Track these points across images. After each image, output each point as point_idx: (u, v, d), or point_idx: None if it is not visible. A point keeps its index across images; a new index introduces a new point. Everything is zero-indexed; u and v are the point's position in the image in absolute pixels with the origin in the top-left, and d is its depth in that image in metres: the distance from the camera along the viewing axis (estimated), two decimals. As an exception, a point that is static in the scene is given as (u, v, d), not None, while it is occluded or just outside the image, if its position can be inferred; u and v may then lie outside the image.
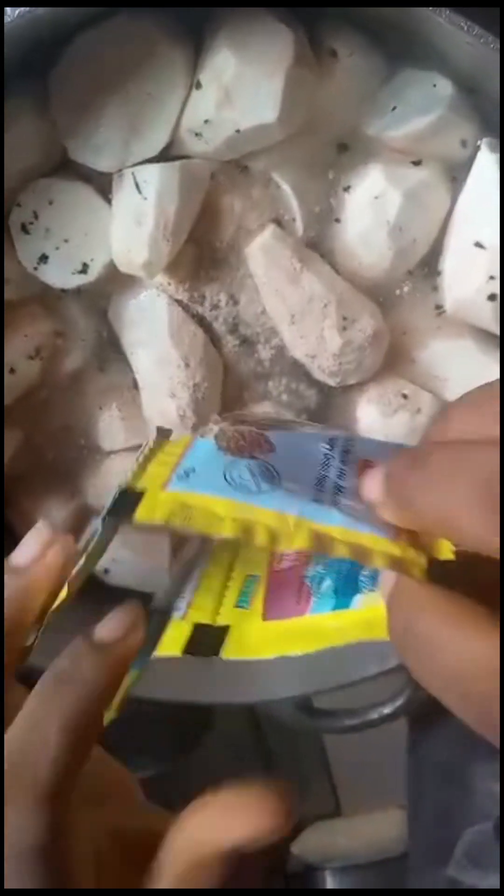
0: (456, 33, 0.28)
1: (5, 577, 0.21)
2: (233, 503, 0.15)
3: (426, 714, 0.45)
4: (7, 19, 0.28)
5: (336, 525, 0.14)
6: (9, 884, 0.18)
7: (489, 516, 0.14)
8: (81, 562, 0.18)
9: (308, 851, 0.71)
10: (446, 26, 0.27)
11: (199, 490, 0.16)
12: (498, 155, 0.32)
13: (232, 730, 0.62)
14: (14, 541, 0.42)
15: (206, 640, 0.18)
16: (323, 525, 0.14)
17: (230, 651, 0.18)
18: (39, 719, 0.19)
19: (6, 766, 0.19)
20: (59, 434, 0.41)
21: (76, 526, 0.42)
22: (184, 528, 0.15)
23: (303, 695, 0.41)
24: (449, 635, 0.14)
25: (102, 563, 0.42)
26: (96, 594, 0.43)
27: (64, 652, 0.21)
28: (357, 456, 0.17)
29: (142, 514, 0.16)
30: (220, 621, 0.18)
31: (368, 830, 0.71)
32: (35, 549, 0.22)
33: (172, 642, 0.19)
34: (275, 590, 0.18)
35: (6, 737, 0.19)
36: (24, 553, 0.22)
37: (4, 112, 0.33)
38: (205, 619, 0.19)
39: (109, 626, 0.21)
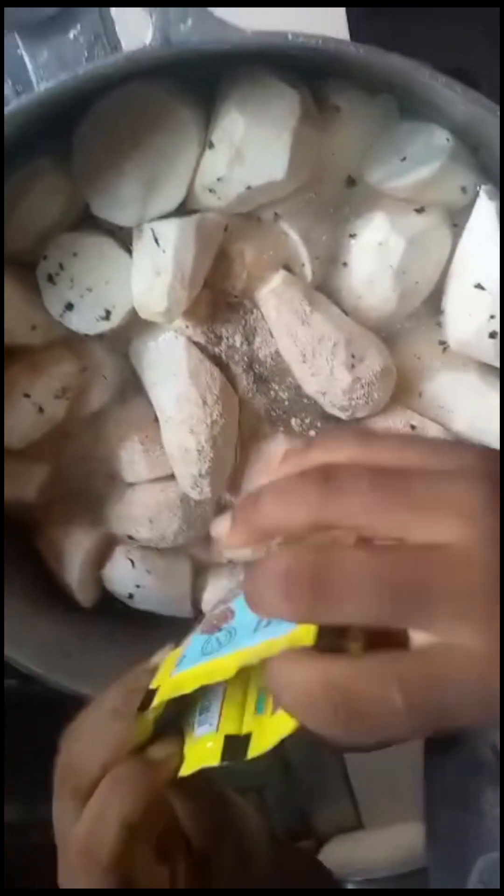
0: (452, 95, 0.29)
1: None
2: (198, 667, 0.23)
3: (439, 737, 0.47)
4: (36, 91, 0.30)
5: (261, 642, 0.21)
6: None
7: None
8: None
9: (330, 864, 0.72)
10: (442, 90, 0.29)
11: (184, 668, 0.23)
12: (496, 202, 0.34)
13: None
14: (43, 567, 0.44)
15: (237, 747, 0.23)
16: (254, 646, 0.21)
17: (253, 751, 0.22)
18: (102, 813, 0.25)
19: (79, 848, 0.25)
20: (83, 466, 0.43)
21: (101, 552, 0.44)
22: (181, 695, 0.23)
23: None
24: (290, 668, 0.20)
25: (127, 589, 0.44)
26: (122, 615, 0.45)
27: (119, 762, 0.26)
28: None
29: (159, 698, 0.24)
30: (245, 730, 0.23)
31: (390, 843, 0.72)
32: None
33: (212, 754, 0.23)
34: None
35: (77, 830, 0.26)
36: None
37: (29, 169, 0.35)
38: (233, 731, 0.23)
39: (158, 750, 0.26)
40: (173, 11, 0.27)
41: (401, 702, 0.18)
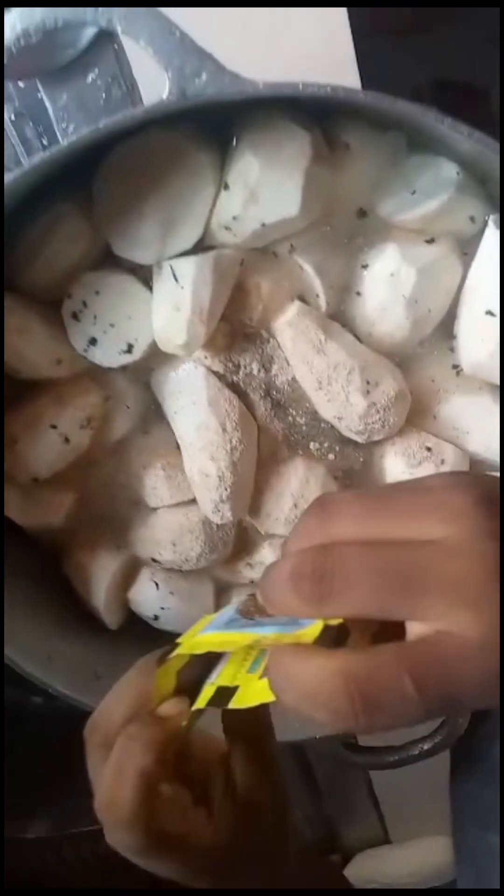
0: (457, 133, 0.30)
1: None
2: (216, 634, 0.25)
3: (465, 750, 0.47)
4: (70, 140, 0.32)
5: (272, 633, 0.23)
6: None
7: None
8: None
9: (357, 878, 0.73)
10: (448, 131, 0.30)
11: (206, 632, 0.26)
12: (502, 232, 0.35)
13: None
14: (72, 591, 0.46)
15: (223, 696, 0.25)
16: (265, 634, 0.23)
17: (235, 703, 0.25)
18: (121, 767, 0.27)
19: (102, 802, 0.27)
20: (108, 492, 0.44)
21: (126, 575, 0.45)
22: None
23: (347, 733, 0.43)
24: (298, 665, 0.21)
25: (152, 611, 0.45)
26: (148, 637, 0.46)
27: (134, 720, 0.28)
28: None
29: (175, 652, 0.27)
30: (235, 683, 0.25)
31: (417, 858, 0.73)
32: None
33: (202, 699, 0.26)
34: None
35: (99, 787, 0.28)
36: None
37: (52, 214, 0.37)
38: (225, 683, 0.26)
39: (168, 707, 0.29)
40: (189, 67, 0.29)
41: (411, 687, 0.20)
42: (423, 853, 0.69)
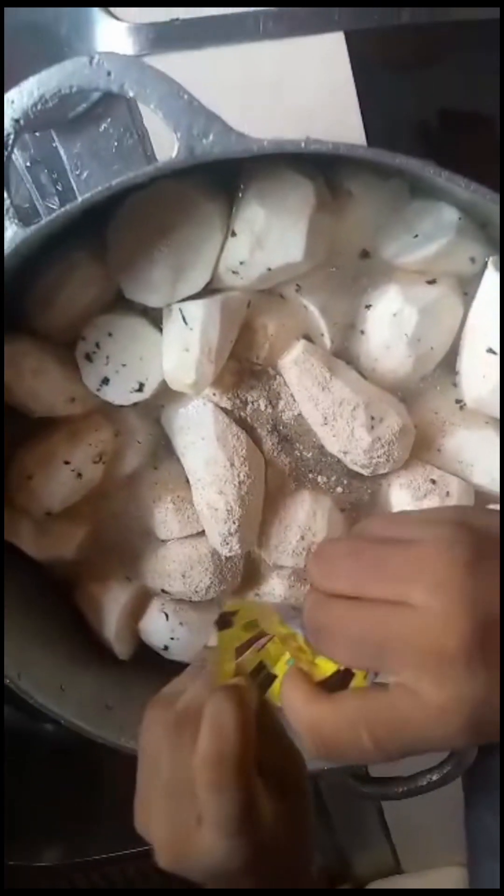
0: (455, 185, 0.32)
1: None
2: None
3: (478, 781, 0.47)
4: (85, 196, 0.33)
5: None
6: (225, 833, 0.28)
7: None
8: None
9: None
10: (445, 183, 0.31)
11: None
12: (501, 273, 0.36)
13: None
14: (83, 622, 0.46)
15: (266, 678, 0.29)
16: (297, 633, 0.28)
17: (270, 693, 0.28)
18: (221, 724, 0.28)
19: (206, 760, 0.28)
20: (119, 524, 0.45)
21: (137, 606, 0.46)
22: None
23: (355, 765, 0.43)
24: (289, 700, 0.26)
25: (162, 641, 0.46)
26: (159, 667, 0.47)
27: (216, 694, 0.30)
28: None
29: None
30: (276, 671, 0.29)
31: (428, 887, 0.72)
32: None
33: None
34: None
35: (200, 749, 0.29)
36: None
37: (67, 261, 0.38)
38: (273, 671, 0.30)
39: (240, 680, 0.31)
40: (196, 128, 0.30)
41: (369, 742, 0.23)
42: (435, 884, 0.69)
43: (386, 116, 0.46)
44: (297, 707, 0.25)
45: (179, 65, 0.43)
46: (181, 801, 0.29)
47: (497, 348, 0.37)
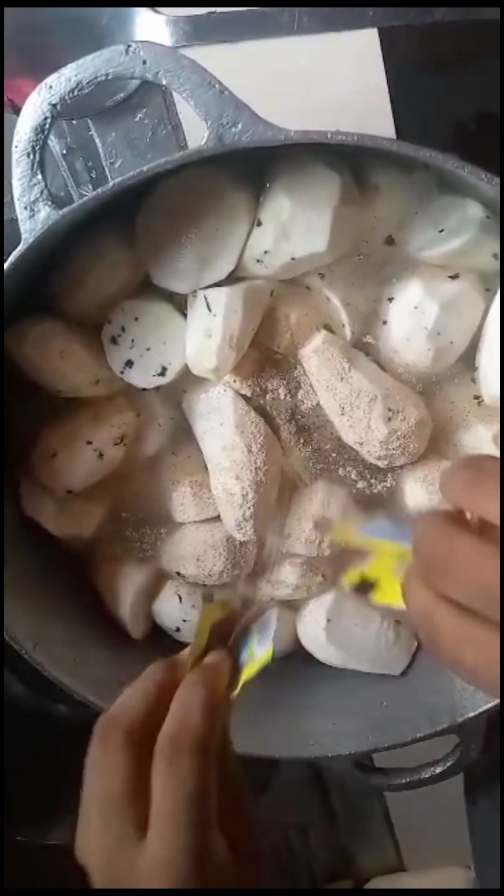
0: (478, 179, 0.32)
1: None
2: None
3: (480, 775, 0.47)
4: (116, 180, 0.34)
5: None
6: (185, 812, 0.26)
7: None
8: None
9: (370, 906, 0.72)
10: (468, 176, 0.32)
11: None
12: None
13: (295, 781, 0.65)
14: (100, 600, 0.47)
15: (364, 585, 0.30)
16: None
17: (376, 598, 0.30)
18: (187, 704, 0.29)
19: (169, 734, 0.28)
20: (137, 506, 0.46)
21: (152, 587, 0.47)
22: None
23: (359, 753, 0.44)
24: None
25: (174, 622, 0.47)
26: (171, 650, 0.48)
27: (195, 668, 0.31)
28: None
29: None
30: (376, 576, 0.31)
31: (431, 886, 0.72)
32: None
33: (251, 669, 0.32)
34: None
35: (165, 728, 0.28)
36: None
37: (97, 245, 0.39)
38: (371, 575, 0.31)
39: (212, 658, 0.32)
40: (226, 117, 0.31)
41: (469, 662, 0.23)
42: (437, 883, 0.69)
43: (419, 114, 0.47)
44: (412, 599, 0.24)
45: (216, 57, 0.43)
46: (121, 813, 0.27)
47: (517, 345, 0.37)
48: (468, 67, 0.51)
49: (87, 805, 0.28)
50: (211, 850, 0.27)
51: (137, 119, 0.46)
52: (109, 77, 0.30)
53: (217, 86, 0.31)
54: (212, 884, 0.26)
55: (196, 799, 0.26)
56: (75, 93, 0.31)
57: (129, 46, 0.30)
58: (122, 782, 0.27)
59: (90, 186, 0.48)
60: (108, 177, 0.46)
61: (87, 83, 0.31)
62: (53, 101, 0.31)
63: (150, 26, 0.42)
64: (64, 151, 0.48)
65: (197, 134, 0.36)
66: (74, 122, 0.47)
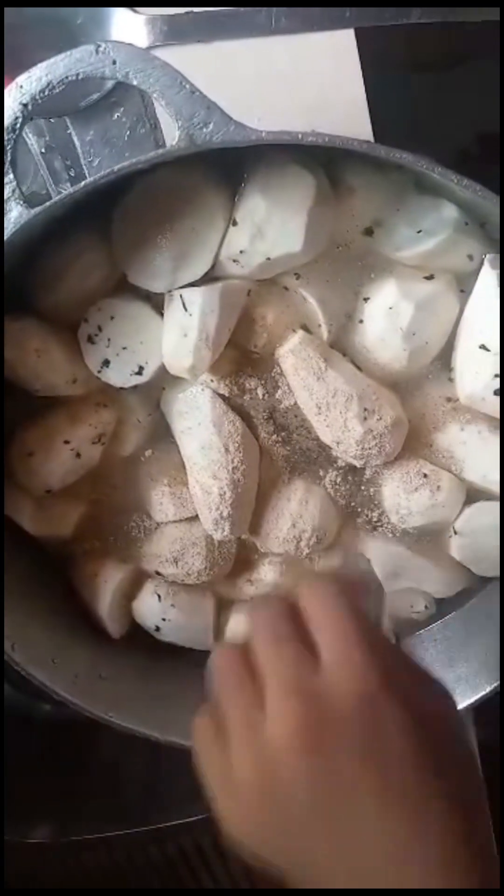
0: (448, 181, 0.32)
1: None
2: None
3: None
4: (89, 180, 0.34)
5: None
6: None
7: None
8: None
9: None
10: (439, 178, 0.32)
11: None
12: (496, 272, 0.36)
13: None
14: (79, 600, 0.47)
15: None
16: None
17: None
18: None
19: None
20: (116, 506, 0.46)
21: (131, 586, 0.47)
22: None
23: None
24: None
25: (154, 622, 0.47)
26: (151, 649, 0.48)
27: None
28: None
29: None
30: None
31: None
32: None
33: None
34: None
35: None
36: None
37: (74, 245, 0.39)
38: None
39: None
40: (197, 117, 0.31)
41: None
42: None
43: (396, 115, 0.47)
44: None
45: (193, 57, 0.43)
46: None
47: (490, 345, 0.37)
48: (447, 69, 0.51)
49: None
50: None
51: (115, 118, 0.46)
52: (80, 77, 0.30)
53: (188, 86, 0.31)
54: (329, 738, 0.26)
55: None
56: (46, 92, 0.31)
57: (98, 46, 0.30)
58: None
59: (69, 185, 0.47)
60: (87, 175, 0.46)
61: (58, 83, 0.31)
62: (24, 101, 0.31)
63: (127, 26, 0.42)
64: (43, 150, 0.48)
65: (174, 134, 0.36)
66: (52, 120, 0.47)
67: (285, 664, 0.27)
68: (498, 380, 0.38)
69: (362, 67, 0.44)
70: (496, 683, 0.39)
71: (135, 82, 0.30)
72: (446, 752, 0.26)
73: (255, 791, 0.26)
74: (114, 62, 0.30)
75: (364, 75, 0.44)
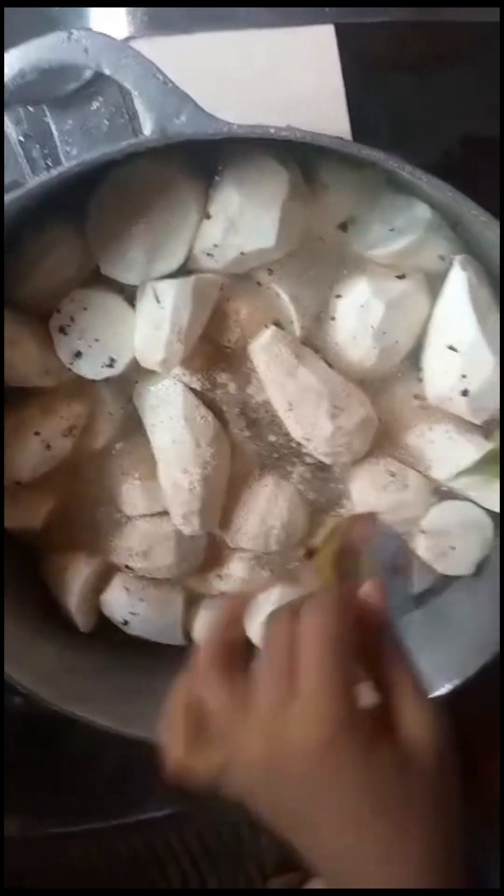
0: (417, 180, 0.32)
1: None
2: None
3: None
4: (61, 168, 0.34)
5: None
6: None
7: None
8: None
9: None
10: (409, 177, 0.32)
11: None
12: (468, 272, 0.37)
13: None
14: (47, 593, 0.47)
15: None
16: None
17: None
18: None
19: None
20: (86, 499, 0.46)
21: (100, 580, 0.47)
22: None
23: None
24: None
25: (122, 615, 0.47)
26: (120, 643, 0.48)
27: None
28: None
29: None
30: None
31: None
32: None
33: None
34: None
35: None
36: None
37: (47, 235, 0.39)
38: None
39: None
40: (170, 108, 0.31)
41: None
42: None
43: (374, 112, 0.47)
44: None
45: (173, 48, 0.43)
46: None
47: (458, 346, 0.38)
48: (432, 70, 0.51)
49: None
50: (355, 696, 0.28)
51: (94, 108, 0.45)
52: (52, 65, 0.30)
53: (160, 77, 0.31)
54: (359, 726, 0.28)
55: (337, 639, 0.29)
56: (18, 80, 0.31)
57: (71, 34, 0.30)
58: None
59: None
60: (64, 164, 0.46)
61: (30, 70, 0.30)
62: (-5, 86, 0.30)
63: (107, 16, 0.42)
64: (21, 138, 0.47)
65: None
66: (31, 109, 0.46)
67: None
68: (465, 380, 0.38)
69: (344, 66, 0.44)
70: (457, 681, 0.39)
71: (107, 72, 0.30)
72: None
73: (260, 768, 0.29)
74: (86, 50, 0.30)
75: (345, 73, 0.44)
